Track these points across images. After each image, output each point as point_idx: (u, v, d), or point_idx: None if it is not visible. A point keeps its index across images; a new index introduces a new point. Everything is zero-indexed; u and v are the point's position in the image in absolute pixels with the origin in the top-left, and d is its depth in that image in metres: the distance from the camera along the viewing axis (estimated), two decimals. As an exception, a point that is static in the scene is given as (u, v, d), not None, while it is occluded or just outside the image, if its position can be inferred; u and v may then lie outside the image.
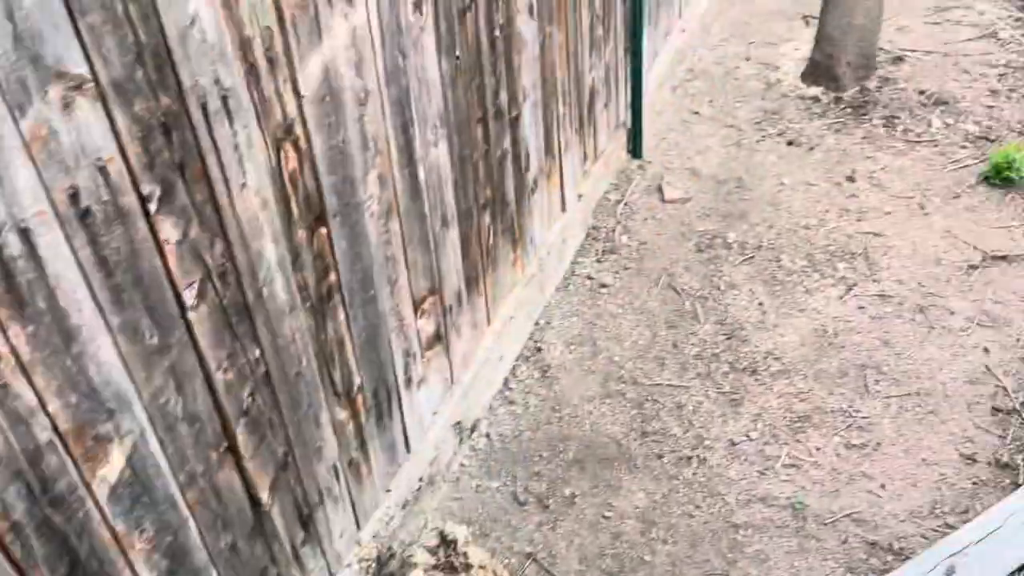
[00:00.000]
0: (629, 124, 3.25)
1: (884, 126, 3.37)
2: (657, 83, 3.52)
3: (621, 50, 3.04)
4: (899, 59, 3.77)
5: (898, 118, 3.40)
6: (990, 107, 3.42)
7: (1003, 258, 2.71)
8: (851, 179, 3.12)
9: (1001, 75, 3.63)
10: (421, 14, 1.69)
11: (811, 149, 3.30)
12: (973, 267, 2.70)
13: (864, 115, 3.44)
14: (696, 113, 3.60)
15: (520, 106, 2.25)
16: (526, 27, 2.21)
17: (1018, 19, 4.00)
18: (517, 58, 2.19)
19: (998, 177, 2.99)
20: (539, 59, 2.33)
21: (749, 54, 3.98)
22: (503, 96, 2.14)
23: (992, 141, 3.23)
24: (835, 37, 3.51)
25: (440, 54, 1.79)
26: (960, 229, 2.86)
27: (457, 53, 1.86)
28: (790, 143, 3.34)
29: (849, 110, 3.48)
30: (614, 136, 3.14)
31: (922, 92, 3.52)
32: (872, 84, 3.58)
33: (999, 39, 3.90)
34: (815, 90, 3.62)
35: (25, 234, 0.96)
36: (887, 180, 3.10)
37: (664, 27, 3.61)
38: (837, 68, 3.55)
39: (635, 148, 3.30)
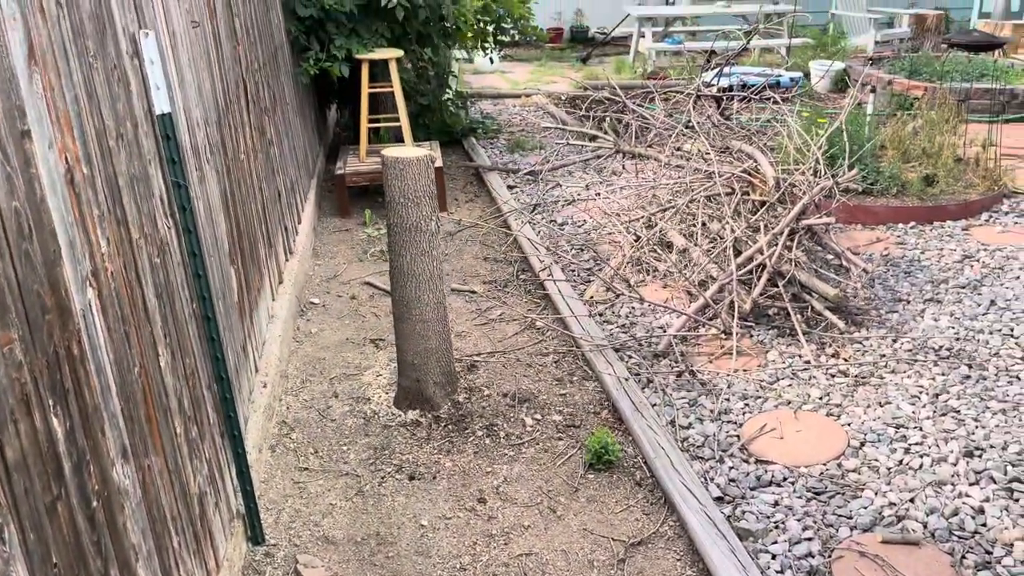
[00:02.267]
0: (244, 510, 2.87)
1: (488, 436, 3.51)
2: (256, 450, 3.23)
3: (219, 438, 2.72)
4: (473, 366, 4.06)
5: (497, 425, 3.58)
6: (563, 395, 3.81)
7: (639, 543, 2.89)
8: (482, 500, 3.13)
9: (556, 362, 4.11)
10: (3, 542, 1.23)
11: (434, 478, 3.26)
12: (622, 560, 2.82)
13: (466, 429, 3.56)
14: (306, 469, 3.36)
15: (135, 573, 1.79)
16: (123, 475, 1.80)
17: (543, 310, 4.66)
18: (121, 517, 1.76)
19: (600, 462, 3.27)
20: (143, 502, 1.92)
21: (336, 390, 3.94)
22: (113, 573, 1.67)
23: (578, 427, 3.57)
24: (417, 363, 3.65)
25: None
26: (593, 523, 3.00)
27: (54, 560, 1.40)
28: (412, 478, 3.27)
29: (451, 427, 3.58)
30: (231, 532, 2.73)
31: (505, 394, 3.80)
32: (461, 397, 3.77)
33: (538, 328, 4.48)
34: (413, 414, 3.67)
35: None
36: (513, 492, 3.18)
37: (247, 389, 3.39)
38: (427, 390, 3.67)
39: (255, 534, 2.90)
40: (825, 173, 4.41)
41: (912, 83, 8.00)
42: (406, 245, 3.54)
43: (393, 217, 3.52)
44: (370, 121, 6.87)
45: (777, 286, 4.22)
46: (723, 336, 4.11)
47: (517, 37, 8.50)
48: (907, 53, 9.57)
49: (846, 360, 3.86)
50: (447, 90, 8.34)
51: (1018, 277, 4.60)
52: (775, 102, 5.43)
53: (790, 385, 3.71)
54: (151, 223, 2.26)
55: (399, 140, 7.11)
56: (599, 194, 5.94)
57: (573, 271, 5.09)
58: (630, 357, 4.04)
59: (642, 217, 5.12)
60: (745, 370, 3.86)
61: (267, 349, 3.92)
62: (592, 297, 4.68)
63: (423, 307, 3.61)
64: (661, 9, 12.51)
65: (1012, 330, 4.02)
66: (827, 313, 4.10)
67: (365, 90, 6.50)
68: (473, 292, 5.00)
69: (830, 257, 4.66)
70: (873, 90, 6.11)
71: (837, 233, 5.16)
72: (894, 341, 3.99)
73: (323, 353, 4.32)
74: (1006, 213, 5.55)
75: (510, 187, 6.70)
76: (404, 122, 6.58)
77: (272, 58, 5.31)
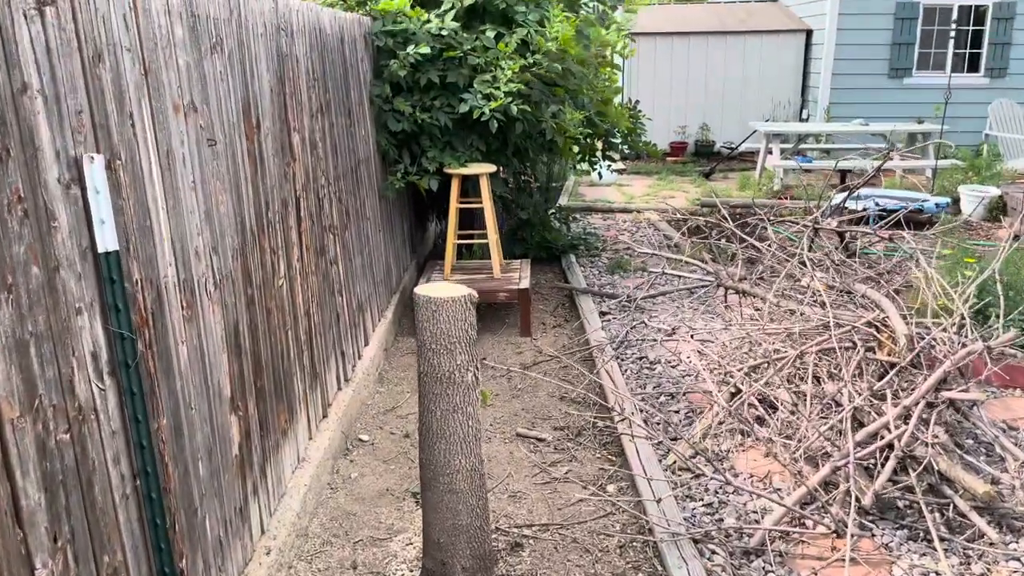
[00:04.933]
0: None
1: (517, 650, 2.81)
2: (232, 643, 2.67)
3: (154, 648, 2.18)
4: (518, 544, 3.38)
5: (530, 634, 2.88)
6: (621, 597, 3.07)
7: None
8: None
9: (620, 547, 3.37)
10: None
11: None
12: None
13: (493, 636, 2.87)
14: (291, 671, 2.75)
15: None
16: None
17: (619, 470, 3.95)
18: None
19: None
20: None
21: (356, 559, 3.35)
22: None
23: (634, 647, 2.81)
24: (443, 543, 3.02)
25: None
26: None
27: None
28: None
29: (475, 630, 2.90)
30: None
31: (549, 590, 3.10)
32: (495, 588, 3.10)
33: (608, 495, 3.76)
34: (434, 604, 3.02)
35: None
36: None
37: (240, 561, 2.86)
38: (453, 576, 3.02)
39: None
40: (972, 332, 3.55)
41: (1085, 215, 6.90)
42: (436, 399, 2.97)
43: (423, 365, 2.98)
44: (461, 236, 6.50)
45: (908, 473, 3.34)
46: (835, 535, 3.26)
47: (627, 152, 8.06)
48: (1078, 179, 8.42)
49: (1001, 587, 2.93)
50: (553, 204, 7.93)
51: None
52: (913, 234, 4.61)
53: (922, 618, 2.82)
54: (59, 390, 1.80)
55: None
56: (692, 336, 5.22)
57: (658, 422, 4.36)
58: (713, 552, 3.25)
59: (742, 368, 4.36)
60: (861, 586, 2.99)
61: (284, 503, 3.40)
62: (675, 463, 3.93)
63: (453, 474, 3.00)
64: (791, 126, 11.81)
65: None
66: (973, 516, 3.18)
67: (454, 205, 6.15)
68: (540, 440, 4.35)
69: (980, 433, 3.73)
70: (1037, 225, 5.16)
71: (991, 400, 4.21)
72: (1070, 565, 3.02)
73: (356, 507, 3.76)
74: None
75: (602, 313, 6.09)
76: (492, 239, 6.16)
77: (352, 172, 5.04)
